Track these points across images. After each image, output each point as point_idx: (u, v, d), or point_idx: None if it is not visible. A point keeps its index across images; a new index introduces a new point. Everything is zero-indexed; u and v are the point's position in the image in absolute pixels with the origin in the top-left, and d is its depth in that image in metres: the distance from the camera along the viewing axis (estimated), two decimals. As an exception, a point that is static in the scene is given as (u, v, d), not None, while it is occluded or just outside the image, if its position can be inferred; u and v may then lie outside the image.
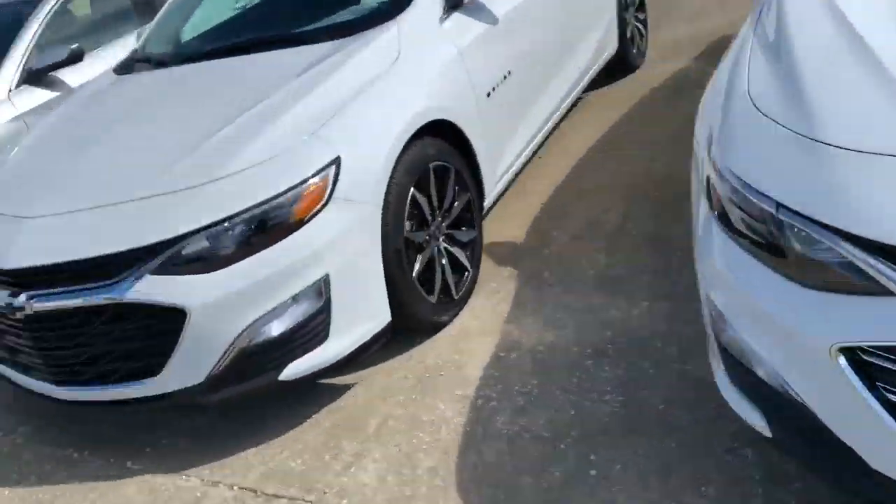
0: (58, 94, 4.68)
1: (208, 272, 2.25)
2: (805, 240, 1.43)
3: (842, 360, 1.39)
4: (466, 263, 2.95)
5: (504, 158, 3.32)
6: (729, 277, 1.60)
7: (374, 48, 2.81)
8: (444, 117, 2.83)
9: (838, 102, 1.57)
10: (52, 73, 4.70)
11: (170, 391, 2.38)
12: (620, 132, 4.28)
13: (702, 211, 1.78)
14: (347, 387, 2.68)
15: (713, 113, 1.86)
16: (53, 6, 4.96)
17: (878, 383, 1.38)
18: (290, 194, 2.31)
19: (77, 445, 2.75)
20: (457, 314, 2.91)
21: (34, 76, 4.64)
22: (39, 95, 4.63)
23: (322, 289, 2.35)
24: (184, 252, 2.27)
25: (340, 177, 2.39)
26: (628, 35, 4.91)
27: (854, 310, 1.38)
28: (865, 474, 1.43)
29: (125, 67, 3.58)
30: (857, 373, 1.38)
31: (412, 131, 2.64)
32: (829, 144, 1.47)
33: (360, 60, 2.74)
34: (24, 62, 4.65)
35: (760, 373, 1.57)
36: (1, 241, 2.48)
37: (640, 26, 5.21)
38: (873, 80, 1.56)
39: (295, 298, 2.32)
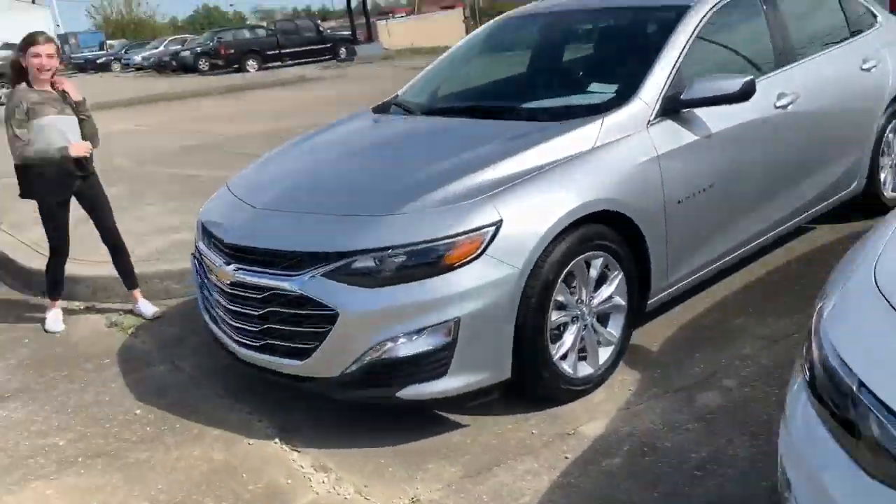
0: (696, 138, 3.29)
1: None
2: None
3: None
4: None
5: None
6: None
7: None
8: None
9: None
10: (691, 110, 3.32)
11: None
12: None
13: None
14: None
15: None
16: (715, 5, 3.63)
17: None
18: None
19: None
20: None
21: (674, 108, 3.28)
22: (680, 136, 3.26)
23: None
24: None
25: None
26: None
27: None
28: None
29: None
30: None
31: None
32: None
33: None
34: (667, 87, 3.30)
35: None
36: None
37: None
38: None
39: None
